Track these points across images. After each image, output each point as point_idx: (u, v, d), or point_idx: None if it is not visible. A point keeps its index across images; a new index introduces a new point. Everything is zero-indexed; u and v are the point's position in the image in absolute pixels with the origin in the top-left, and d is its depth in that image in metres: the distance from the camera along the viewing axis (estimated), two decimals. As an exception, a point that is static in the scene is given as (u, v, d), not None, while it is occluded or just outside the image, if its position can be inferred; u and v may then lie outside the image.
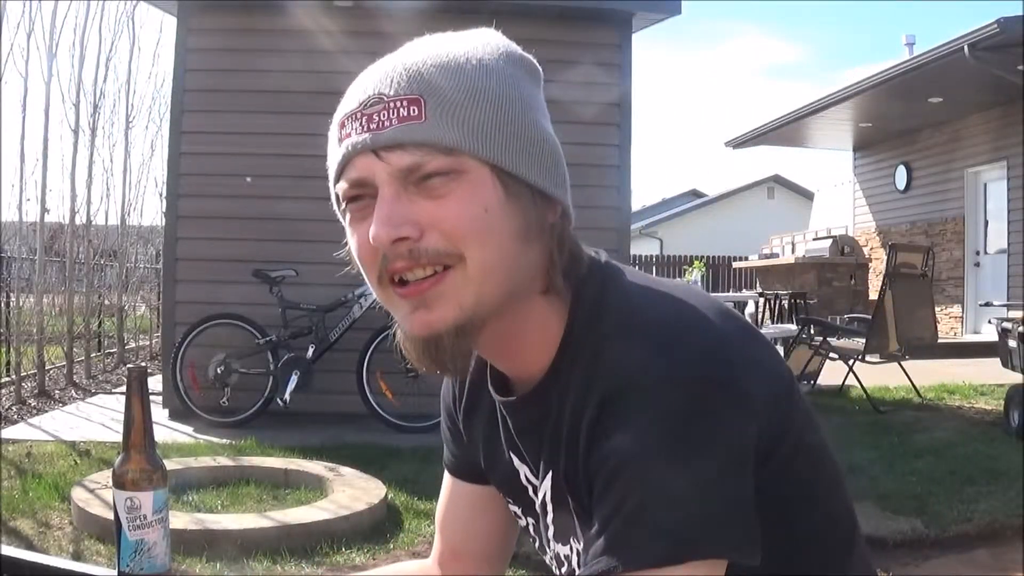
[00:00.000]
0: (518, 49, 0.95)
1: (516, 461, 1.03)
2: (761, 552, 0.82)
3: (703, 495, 0.80)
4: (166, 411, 6.26)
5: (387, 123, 0.85)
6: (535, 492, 1.01)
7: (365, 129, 0.86)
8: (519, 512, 1.08)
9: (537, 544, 1.07)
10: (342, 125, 0.88)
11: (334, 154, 0.90)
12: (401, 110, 0.84)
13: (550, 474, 0.96)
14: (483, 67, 0.88)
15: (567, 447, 0.90)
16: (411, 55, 0.89)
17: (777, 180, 31.19)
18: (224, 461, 4.73)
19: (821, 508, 0.94)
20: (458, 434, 1.15)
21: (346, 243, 0.93)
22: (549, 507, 0.99)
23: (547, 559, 1.05)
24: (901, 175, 14.21)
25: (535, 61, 0.96)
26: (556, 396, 0.92)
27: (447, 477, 1.20)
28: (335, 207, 0.94)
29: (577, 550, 0.96)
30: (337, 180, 0.90)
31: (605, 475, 0.83)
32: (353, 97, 0.89)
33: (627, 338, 0.86)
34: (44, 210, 7.73)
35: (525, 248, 0.89)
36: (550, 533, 1.01)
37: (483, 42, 0.92)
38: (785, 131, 14.25)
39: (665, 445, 0.80)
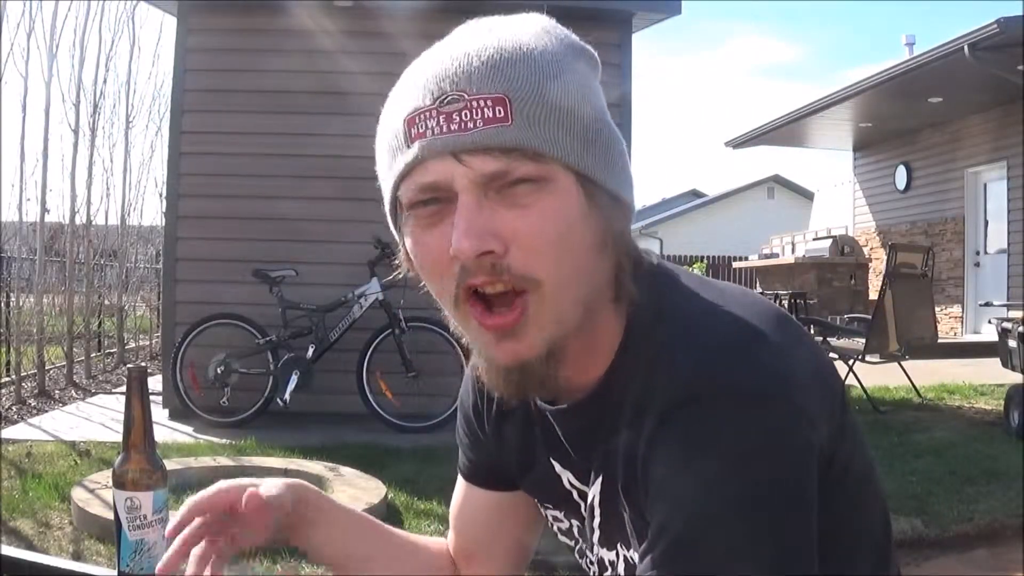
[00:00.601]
0: (577, 39, 0.88)
1: (558, 467, 1.00)
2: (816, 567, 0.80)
3: (759, 513, 0.77)
4: (166, 411, 6.25)
5: (471, 124, 0.77)
6: (580, 496, 0.99)
7: (444, 130, 0.78)
8: (560, 515, 1.06)
9: (577, 547, 1.05)
10: (412, 122, 0.80)
11: (399, 153, 0.82)
12: (486, 110, 0.77)
13: (600, 479, 0.93)
14: (557, 62, 0.82)
15: (625, 458, 0.87)
16: (480, 44, 0.81)
17: (777, 180, 31.20)
18: (224, 461, 4.72)
19: (863, 513, 0.93)
20: (478, 440, 1.11)
21: (398, 249, 0.89)
22: (597, 511, 0.96)
23: (584, 563, 1.03)
24: (901, 175, 14.21)
25: (594, 51, 0.89)
26: (612, 405, 0.89)
27: (461, 482, 1.16)
28: (386, 208, 0.88)
29: (624, 556, 0.94)
30: (401, 181, 0.83)
31: (658, 488, 0.81)
32: (420, 91, 0.81)
33: (686, 350, 0.82)
34: (44, 210, 7.74)
35: (600, 258, 0.85)
36: (595, 537, 0.98)
37: (544, 29, 0.86)
38: (785, 131, 14.25)
39: (718, 459, 0.78)
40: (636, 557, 0.90)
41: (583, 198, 0.82)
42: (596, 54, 0.90)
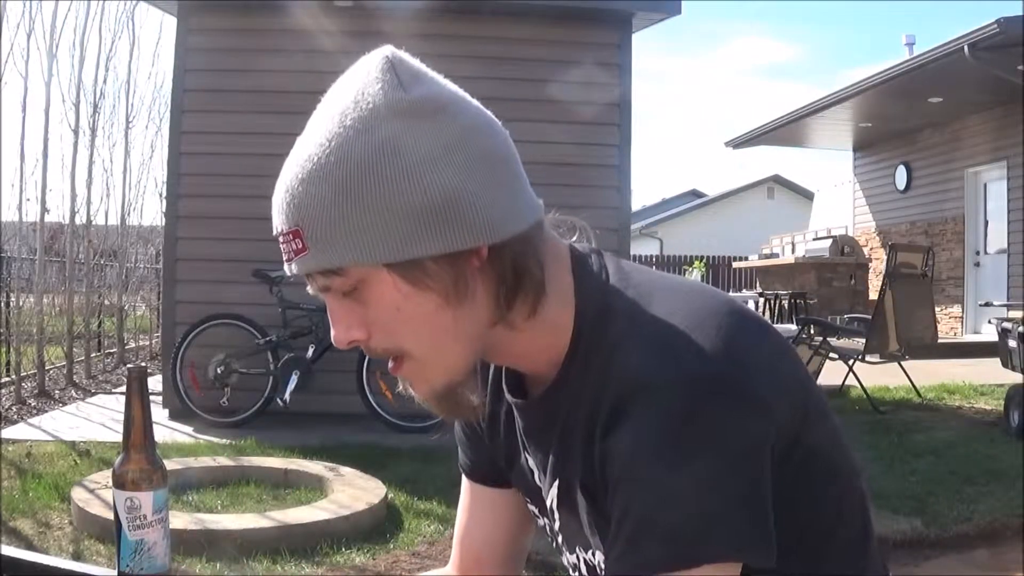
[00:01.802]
0: (425, 91, 0.86)
1: (530, 461, 1.03)
2: (776, 554, 0.81)
3: (712, 497, 0.79)
4: (166, 411, 6.26)
5: (289, 255, 0.88)
6: (545, 494, 1.01)
7: (284, 258, 0.90)
8: (536, 512, 1.08)
9: (555, 544, 1.07)
10: None
11: None
12: (292, 243, 0.87)
13: (557, 482, 0.95)
14: (343, 155, 0.84)
15: (583, 456, 0.89)
16: (289, 168, 0.89)
17: (777, 180, 31.17)
18: (224, 461, 4.73)
19: (833, 508, 0.93)
20: (476, 437, 1.13)
21: None
22: (556, 514, 0.98)
23: (564, 561, 1.05)
24: (901, 175, 14.21)
25: (446, 94, 0.87)
26: (566, 403, 0.91)
27: (465, 483, 1.18)
28: None
29: (585, 559, 0.96)
30: None
31: (615, 480, 0.83)
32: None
33: (636, 342, 0.85)
34: (44, 210, 7.74)
35: (459, 305, 0.87)
36: (559, 540, 1.01)
37: (350, 103, 0.87)
38: (785, 131, 14.25)
39: (670, 448, 0.80)
40: (593, 558, 0.94)
41: (402, 280, 0.86)
42: (449, 94, 0.87)
